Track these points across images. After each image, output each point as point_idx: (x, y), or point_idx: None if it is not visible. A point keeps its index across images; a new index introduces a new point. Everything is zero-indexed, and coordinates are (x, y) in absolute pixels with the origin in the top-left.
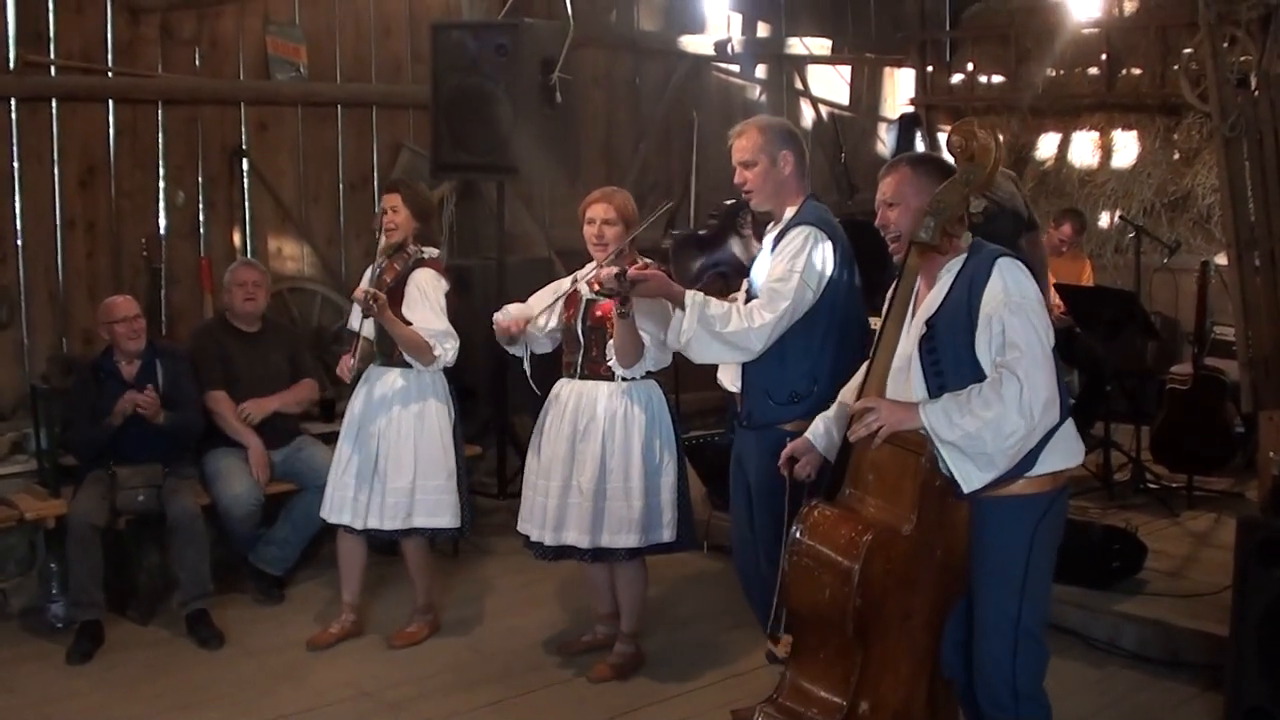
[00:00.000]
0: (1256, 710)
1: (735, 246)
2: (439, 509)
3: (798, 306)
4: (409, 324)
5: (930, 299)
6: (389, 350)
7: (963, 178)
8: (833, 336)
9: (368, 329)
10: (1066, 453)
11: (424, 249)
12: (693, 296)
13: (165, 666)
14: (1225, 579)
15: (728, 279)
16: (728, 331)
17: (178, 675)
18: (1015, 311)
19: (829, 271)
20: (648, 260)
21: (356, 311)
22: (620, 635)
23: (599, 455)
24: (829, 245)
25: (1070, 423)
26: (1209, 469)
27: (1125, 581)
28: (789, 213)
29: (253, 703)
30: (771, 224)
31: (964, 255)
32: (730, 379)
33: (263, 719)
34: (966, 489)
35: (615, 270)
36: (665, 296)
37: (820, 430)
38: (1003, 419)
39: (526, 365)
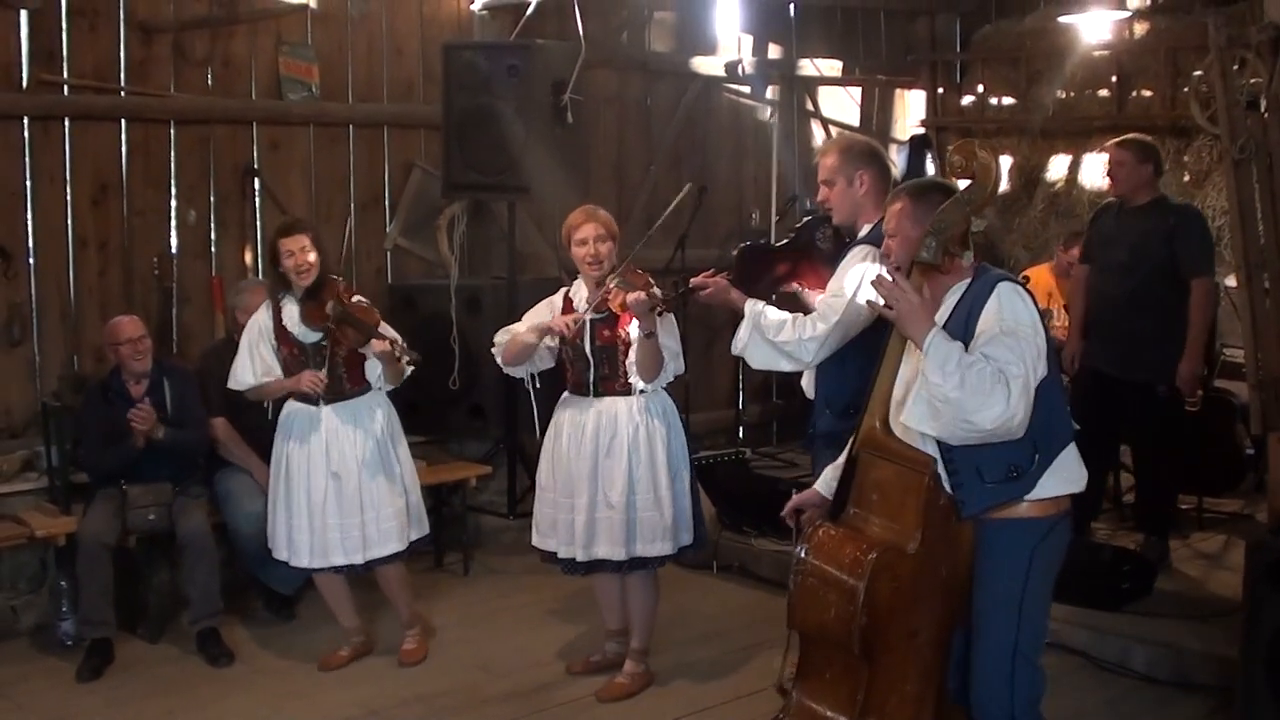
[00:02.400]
0: None
1: (813, 258)
2: (422, 519)
3: (850, 322)
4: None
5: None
6: (337, 387)
7: (964, 197)
8: None
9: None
10: (1068, 478)
11: (336, 277)
12: (751, 305)
13: (175, 685)
14: (1235, 600)
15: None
16: (779, 340)
17: (187, 693)
18: (1007, 334)
19: None
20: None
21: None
22: (630, 653)
23: (626, 470)
24: None
25: (1073, 448)
26: (1219, 491)
27: (1135, 603)
28: (864, 230)
29: None
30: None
31: (969, 279)
32: (810, 387)
33: None
34: (907, 421)
35: (644, 294)
36: (724, 305)
37: (829, 478)
38: (979, 409)
39: (535, 382)
